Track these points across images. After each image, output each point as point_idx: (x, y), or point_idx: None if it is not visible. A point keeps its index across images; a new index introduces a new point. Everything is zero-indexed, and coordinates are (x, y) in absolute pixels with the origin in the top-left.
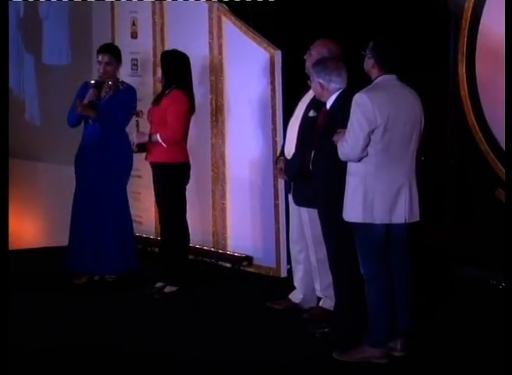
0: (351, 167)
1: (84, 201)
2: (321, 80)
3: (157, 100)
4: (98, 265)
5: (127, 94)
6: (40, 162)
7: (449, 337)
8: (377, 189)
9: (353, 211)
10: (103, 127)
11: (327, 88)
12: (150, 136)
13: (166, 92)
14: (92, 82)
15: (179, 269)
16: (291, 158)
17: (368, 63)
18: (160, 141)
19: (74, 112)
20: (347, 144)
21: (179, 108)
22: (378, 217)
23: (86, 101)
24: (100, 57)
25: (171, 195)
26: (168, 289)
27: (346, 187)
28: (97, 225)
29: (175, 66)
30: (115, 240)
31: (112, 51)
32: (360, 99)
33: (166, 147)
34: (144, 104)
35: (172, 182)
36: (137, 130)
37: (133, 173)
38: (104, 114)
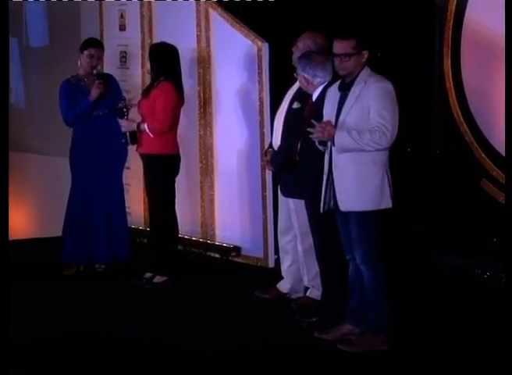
0: (373, 156)
1: (86, 192)
2: (305, 75)
3: (146, 92)
4: (102, 254)
5: (114, 84)
6: (29, 154)
7: (434, 326)
8: (389, 175)
9: (383, 198)
10: (103, 119)
11: (312, 82)
12: (138, 125)
13: (155, 84)
14: (84, 76)
15: (169, 260)
16: (277, 150)
17: (362, 58)
18: (147, 131)
19: (73, 110)
20: (389, 133)
21: (167, 99)
22: (390, 202)
23: (95, 95)
24: (93, 51)
25: (161, 186)
26: (157, 279)
27: (368, 177)
28: (96, 218)
29: (163, 59)
30: (122, 230)
31: (101, 45)
32: (390, 88)
33: (155, 138)
34: (133, 95)
35: (161, 173)
36: (126, 118)
37: None
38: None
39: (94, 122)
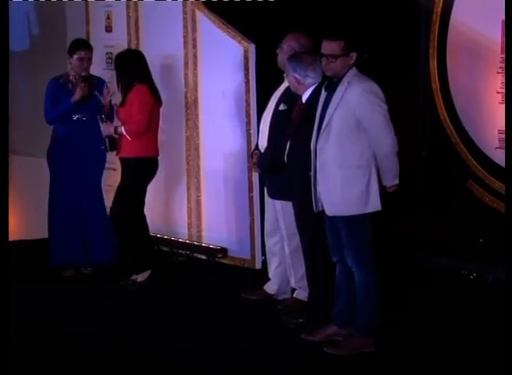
0: (358, 161)
1: (65, 193)
2: (296, 75)
3: (123, 101)
4: (78, 255)
5: (103, 88)
6: (14, 155)
7: (422, 327)
8: (377, 178)
9: (369, 202)
10: (84, 123)
11: (303, 83)
12: (115, 129)
13: (130, 88)
14: (74, 77)
15: (145, 256)
16: (263, 152)
17: (350, 60)
18: (124, 133)
19: (55, 109)
20: (392, 135)
21: (142, 101)
22: (379, 204)
23: (78, 96)
24: (83, 53)
25: (134, 188)
26: (140, 278)
27: (352, 181)
28: (81, 218)
29: (134, 64)
30: (101, 232)
31: (91, 47)
32: (374, 88)
33: (133, 141)
34: (118, 97)
35: (137, 175)
36: (104, 122)
37: (107, 165)
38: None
39: (76, 125)
